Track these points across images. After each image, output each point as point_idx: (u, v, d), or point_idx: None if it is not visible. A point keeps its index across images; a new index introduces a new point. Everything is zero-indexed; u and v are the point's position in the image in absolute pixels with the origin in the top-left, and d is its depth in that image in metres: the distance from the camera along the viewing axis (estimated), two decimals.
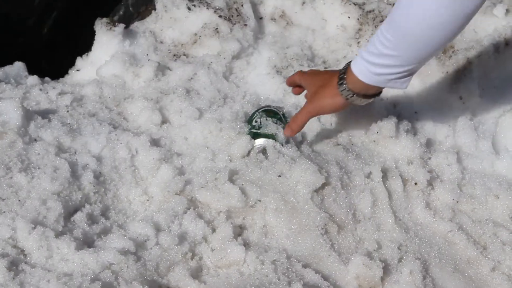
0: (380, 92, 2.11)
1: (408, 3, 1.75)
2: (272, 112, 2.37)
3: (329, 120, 2.49)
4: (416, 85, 2.60)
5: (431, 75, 2.60)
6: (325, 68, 2.70)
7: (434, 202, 2.28)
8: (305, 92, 2.29)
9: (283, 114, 2.41)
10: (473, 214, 2.28)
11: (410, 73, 1.95)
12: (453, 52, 2.63)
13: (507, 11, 2.77)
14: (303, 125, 2.24)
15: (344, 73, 2.06)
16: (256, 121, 2.34)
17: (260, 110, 2.38)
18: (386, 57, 1.88)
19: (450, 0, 1.67)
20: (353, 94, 2.05)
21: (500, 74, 2.68)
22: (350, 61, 2.06)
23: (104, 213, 2.06)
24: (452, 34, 1.78)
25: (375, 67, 1.93)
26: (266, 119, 2.33)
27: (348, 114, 2.46)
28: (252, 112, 2.41)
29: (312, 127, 2.44)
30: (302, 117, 2.21)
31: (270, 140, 2.30)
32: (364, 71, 1.97)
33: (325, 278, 1.96)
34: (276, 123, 2.33)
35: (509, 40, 2.70)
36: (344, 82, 2.04)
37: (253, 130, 2.32)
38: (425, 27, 1.76)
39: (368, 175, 2.26)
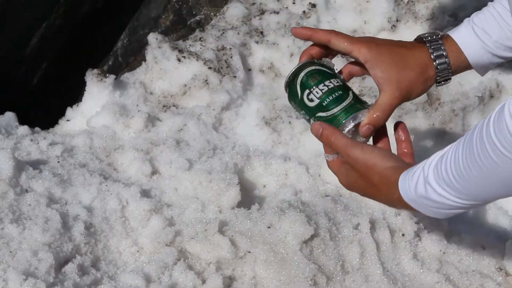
0: None
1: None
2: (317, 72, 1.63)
3: (317, 171, 2.51)
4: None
5: (417, 127, 2.63)
6: None
7: (421, 253, 2.30)
8: None
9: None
10: (460, 265, 2.29)
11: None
12: (439, 104, 2.68)
13: None
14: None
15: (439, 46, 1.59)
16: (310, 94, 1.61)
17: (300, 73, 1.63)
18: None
19: None
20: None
21: None
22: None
23: (95, 264, 2.06)
24: None
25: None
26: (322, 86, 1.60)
27: None
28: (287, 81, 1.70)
29: (300, 178, 2.46)
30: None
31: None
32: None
33: None
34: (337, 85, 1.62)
35: (494, 92, 2.75)
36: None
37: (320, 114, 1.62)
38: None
39: (356, 226, 2.27)
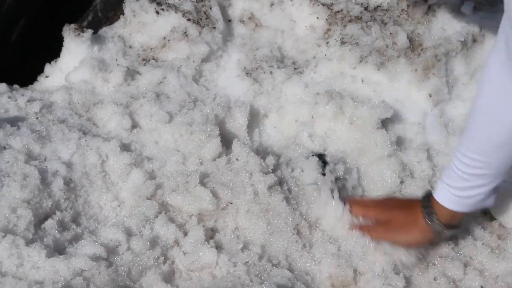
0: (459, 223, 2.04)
1: (485, 112, 1.71)
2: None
3: (299, 120, 2.51)
4: (385, 84, 2.61)
5: (399, 73, 2.61)
6: (295, 69, 2.70)
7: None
8: None
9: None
10: None
11: (497, 186, 1.86)
12: (421, 50, 2.65)
13: (475, 8, 2.79)
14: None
15: (429, 206, 1.97)
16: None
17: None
18: (477, 177, 1.81)
19: None
20: (444, 228, 1.97)
21: (468, 71, 2.70)
22: (426, 195, 2.01)
23: (75, 220, 2.05)
24: None
25: (466, 191, 1.86)
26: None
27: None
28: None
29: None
30: (380, 237, 2.07)
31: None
32: (453, 199, 1.89)
33: (297, 278, 1.97)
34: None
35: (477, 37, 2.72)
36: (435, 216, 1.95)
37: None
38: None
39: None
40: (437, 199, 1.93)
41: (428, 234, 1.99)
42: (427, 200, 1.98)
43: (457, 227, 2.02)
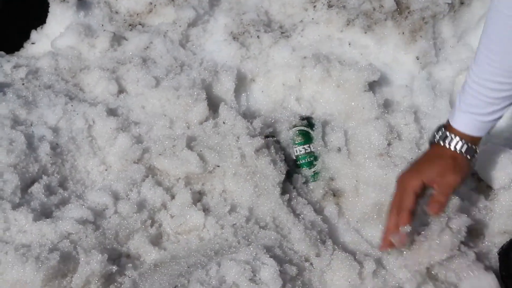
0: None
1: (504, 28, 1.70)
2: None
3: (287, 83, 2.50)
4: (372, 47, 2.61)
5: (387, 36, 2.60)
6: (282, 33, 2.68)
7: (393, 159, 2.29)
8: None
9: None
10: None
11: None
12: (408, 13, 2.64)
13: None
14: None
15: (452, 141, 1.89)
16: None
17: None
18: (504, 99, 1.80)
19: None
20: (476, 152, 1.91)
21: (455, 33, 2.69)
22: (442, 133, 1.92)
23: (62, 184, 2.06)
24: None
25: (493, 114, 1.83)
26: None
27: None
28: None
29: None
30: (450, 193, 1.91)
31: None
32: (478, 125, 1.86)
33: (284, 236, 1.98)
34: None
35: None
36: (467, 143, 1.88)
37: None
38: None
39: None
40: (459, 130, 1.88)
41: (465, 164, 1.90)
42: (447, 138, 1.91)
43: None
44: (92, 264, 1.74)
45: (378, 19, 2.62)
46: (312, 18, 2.69)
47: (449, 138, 1.89)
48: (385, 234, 1.90)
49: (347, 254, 1.95)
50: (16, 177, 1.93)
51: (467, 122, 1.87)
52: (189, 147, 2.15)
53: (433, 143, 1.95)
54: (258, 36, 2.64)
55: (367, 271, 1.93)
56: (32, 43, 2.68)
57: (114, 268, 1.78)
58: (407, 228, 1.84)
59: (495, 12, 1.69)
